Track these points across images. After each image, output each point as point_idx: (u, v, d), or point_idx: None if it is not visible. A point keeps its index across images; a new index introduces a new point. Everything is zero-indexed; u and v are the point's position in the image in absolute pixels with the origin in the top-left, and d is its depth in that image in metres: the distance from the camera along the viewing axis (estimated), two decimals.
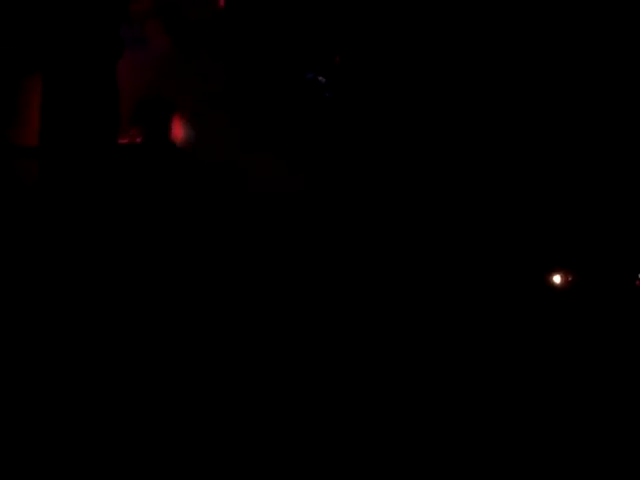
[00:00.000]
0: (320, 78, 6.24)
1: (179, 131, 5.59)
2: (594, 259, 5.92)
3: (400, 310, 5.68)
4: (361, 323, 5.52)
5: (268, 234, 5.83)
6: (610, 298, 5.76)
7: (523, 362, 5.31)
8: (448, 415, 4.67)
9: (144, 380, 4.51)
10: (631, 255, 5.88)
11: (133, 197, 5.03)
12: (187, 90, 5.80)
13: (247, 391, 4.56)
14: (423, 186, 6.20)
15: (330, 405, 4.44)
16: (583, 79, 6.22)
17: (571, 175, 6.13)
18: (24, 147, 5.17)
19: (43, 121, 4.94)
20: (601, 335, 5.53)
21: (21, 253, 4.98)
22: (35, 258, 4.81)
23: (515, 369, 5.25)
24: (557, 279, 5.86)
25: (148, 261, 5.06)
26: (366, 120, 6.30)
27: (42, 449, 3.90)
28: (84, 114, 4.88)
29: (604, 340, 5.51)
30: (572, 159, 6.15)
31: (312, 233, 5.89)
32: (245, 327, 5.26)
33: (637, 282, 5.75)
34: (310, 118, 6.25)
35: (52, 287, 4.70)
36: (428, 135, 6.27)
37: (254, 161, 5.90)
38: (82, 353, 4.52)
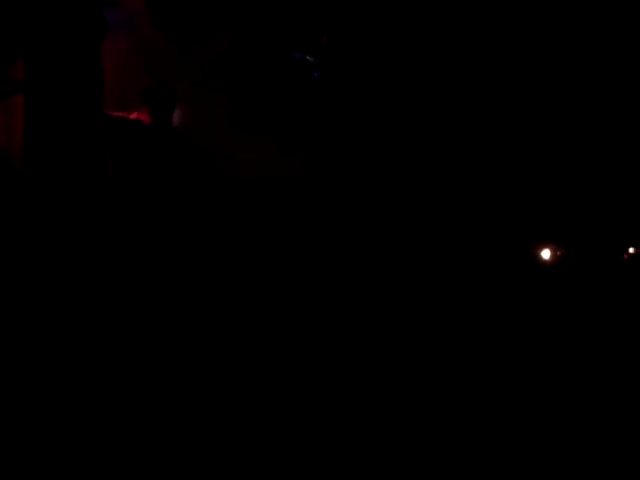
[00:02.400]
0: (308, 58, 6.23)
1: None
2: (583, 234, 5.92)
3: (397, 288, 5.69)
4: (356, 303, 5.53)
5: (262, 219, 5.84)
6: (599, 272, 5.76)
7: (517, 342, 5.31)
8: (443, 400, 4.66)
9: (143, 377, 4.52)
10: (619, 230, 5.88)
11: (135, 176, 5.07)
12: (174, 72, 5.81)
13: (247, 389, 4.57)
14: (416, 164, 6.20)
15: (330, 403, 4.44)
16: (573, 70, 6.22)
17: (563, 153, 6.12)
18: None
19: (27, 103, 4.97)
20: (590, 308, 5.53)
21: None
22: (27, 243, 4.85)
23: (509, 349, 5.24)
24: (546, 254, 5.86)
25: (144, 245, 5.08)
26: (356, 100, 6.29)
27: (42, 448, 3.92)
28: (68, 94, 4.91)
29: (594, 312, 5.51)
30: (564, 138, 6.14)
31: (305, 219, 5.89)
32: (240, 317, 5.27)
33: (625, 256, 5.74)
34: (299, 98, 6.24)
35: (49, 278, 4.74)
36: (420, 114, 6.27)
37: (244, 143, 5.91)
38: (81, 349, 4.55)
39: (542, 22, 6.20)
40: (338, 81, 6.28)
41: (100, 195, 5.00)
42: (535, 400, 4.65)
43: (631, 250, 5.83)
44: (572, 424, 4.42)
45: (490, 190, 6.07)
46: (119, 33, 5.51)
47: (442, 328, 5.40)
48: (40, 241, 4.82)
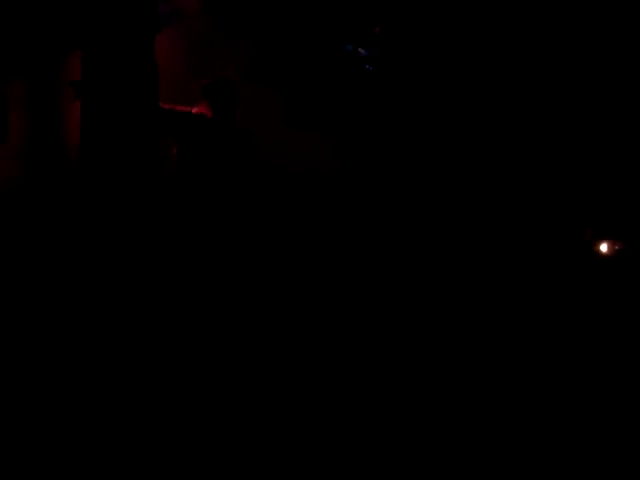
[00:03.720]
0: (360, 50, 6.17)
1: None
2: None
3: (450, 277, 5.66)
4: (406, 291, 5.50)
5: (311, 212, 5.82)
6: None
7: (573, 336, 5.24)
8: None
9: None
10: None
11: (198, 169, 5.10)
12: (228, 65, 5.79)
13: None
14: (469, 155, 6.12)
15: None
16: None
17: (626, 144, 6.02)
18: None
19: (84, 96, 4.97)
20: None
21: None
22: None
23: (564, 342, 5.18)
24: (604, 248, 5.76)
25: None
26: (408, 93, 6.22)
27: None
28: (124, 88, 4.90)
29: None
30: (625, 131, 6.04)
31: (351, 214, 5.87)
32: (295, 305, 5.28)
33: None
34: (351, 91, 6.19)
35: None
36: (474, 108, 6.18)
37: (295, 137, 5.88)
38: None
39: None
40: (391, 73, 6.22)
41: (158, 187, 5.01)
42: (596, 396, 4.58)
43: None
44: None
45: (549, 183, 5.98)
46: (173, 26, 5.51)
47: (495, 319, 5.35)
48: (96, 235, 4.83)
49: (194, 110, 5.04)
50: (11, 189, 6.50)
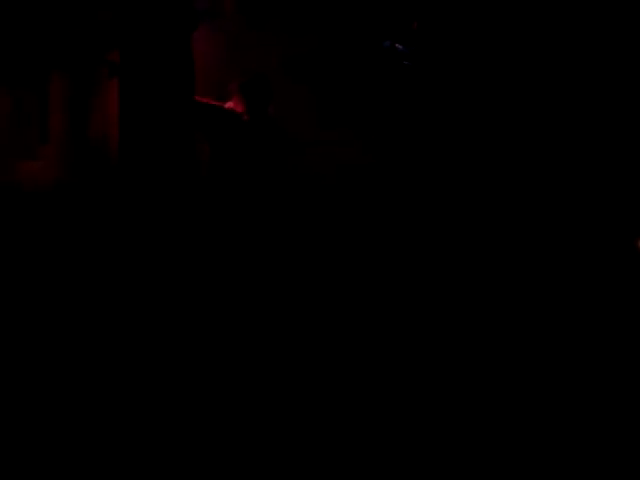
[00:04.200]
0: (398, 46, 6.12)
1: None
2: None
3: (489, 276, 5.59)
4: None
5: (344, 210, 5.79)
6: None
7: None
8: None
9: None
10: None
11: (230, 164, 5.12)
12: (264, 62, 5.79)
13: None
14: (517, 158, 6.04)
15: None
16: None
17: None
18: None
19: (122, 94, 5.00)
20: None
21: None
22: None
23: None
24: None
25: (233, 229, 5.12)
26: (448, 89, 6.16)
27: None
28: (161, 84, 4.92)
29: None
30: None
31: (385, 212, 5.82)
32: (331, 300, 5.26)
33: None
34: (388, 88, 6.14)
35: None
36: (515, 104, 6.11)
37: (329, 134, 5.86)
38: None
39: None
40: (429, 69, 6.16)
41: (192, 182, 5.02)
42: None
43: None
44: None
45: (594, 181, 5.89)
46: (208, 23, 5.52)
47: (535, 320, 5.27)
48: (133, 229, 4.85)
49: (227, 105, 5.06)
50: (53, 190, 6.56)
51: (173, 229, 4.83)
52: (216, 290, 4.93)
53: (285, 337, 4.85)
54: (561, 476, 3.86)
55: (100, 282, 5.07)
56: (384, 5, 6.08)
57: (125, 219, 4.93)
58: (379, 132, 6.01)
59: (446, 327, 5.10)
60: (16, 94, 6.91)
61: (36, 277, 5.44)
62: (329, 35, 6.02)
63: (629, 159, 5.95)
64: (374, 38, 6.08)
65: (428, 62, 6.14)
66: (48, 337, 4.79)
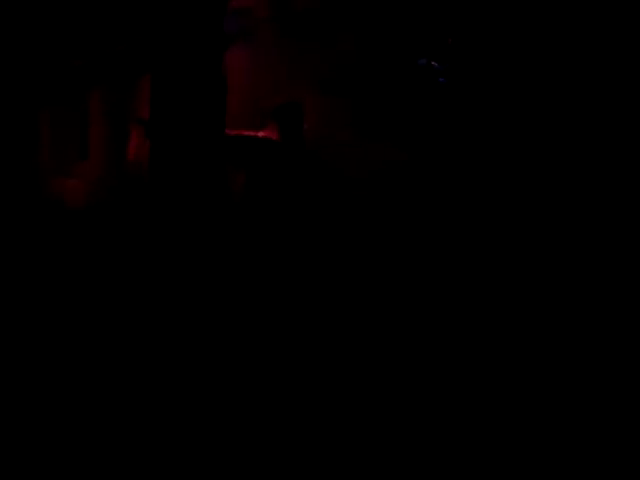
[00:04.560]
0: (433, 63, 6.08)
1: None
2: None
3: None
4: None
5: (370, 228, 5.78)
6: None
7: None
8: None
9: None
10: None
11: (265, 192, 5.13)
12: (298, 79, 5.79)
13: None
14: (554, 174, 5.97)
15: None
16: None
17: None
18: None
19: (152, 114, 5.03)
20: None
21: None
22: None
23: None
24: None
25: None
26: (483, 107, 6.11)
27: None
28: (192, 106, 4.93)
29: None
30: None
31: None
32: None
33: None
34: (424, 105, 6.11)
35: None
36: (549, 120, 6.04)
37: (366, 149, 5.84)
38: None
39: None
40: (465, 87, 6.12)
41: (225, 213, 5.04)
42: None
43: None
44: None
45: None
46: (243, 43, 5.54)
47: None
48: (161, 247, 4.89)
49: (260, 134, 5.06)
50: (90, 207, 6.63)
51: (198, 260, 4.84)
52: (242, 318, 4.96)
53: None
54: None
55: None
56: (419, 23, 6.05)
57: (152, 245, 4.97)
58: (418, 148, 5.99)
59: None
60: (56, 111, 7.02)
61: (64, 286, 5.52)
62: (367, 53, 6.01)
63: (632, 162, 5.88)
64: (410, 56, 6.06)
65: (463, 79, 6.10)
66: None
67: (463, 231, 5.83)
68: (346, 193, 5.83)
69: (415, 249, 5.76)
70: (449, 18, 6.08)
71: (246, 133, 5.21)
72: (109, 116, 6.69)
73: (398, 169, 5.90)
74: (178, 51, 4.96)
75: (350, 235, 5.70)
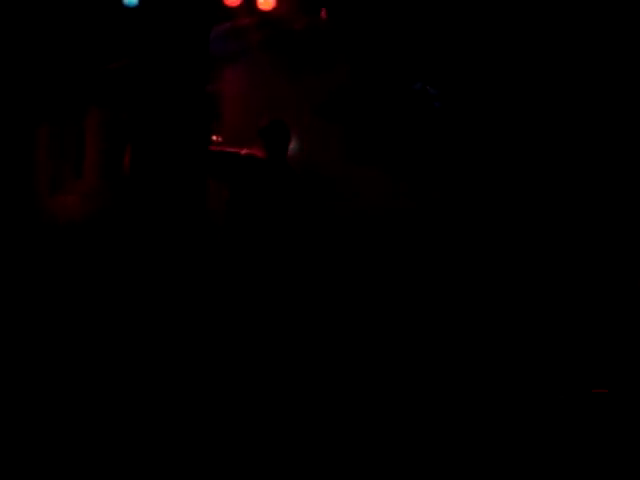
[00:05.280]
0: (429, 88, 6.14)
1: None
2: None
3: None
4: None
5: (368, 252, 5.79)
6: None
7: None
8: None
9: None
10: None
11: (248, 209, 5.14)
12: (292, 100, 5.83)
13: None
14: (550, 202, 6.00)
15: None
16: None
17: None
18: None
19: (136, 131, 5.03)
20: None
21: None
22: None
23: None
24: None
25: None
26: (479, 131, 6.15)
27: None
28: (175, 123, 4.91)
29: None
30: None
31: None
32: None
33: None
34: (419, 129, 6.16)
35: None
36: (546, 147, 6.08)
37: (359, 174, 5.87)
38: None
39: None
40: (461, 111, 6.17)
41: (207, 229, 5.04)
42: None
43: None
44: None
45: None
46: (240, 64, 5.57)
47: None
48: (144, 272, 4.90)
49: (243, 151, 5.07)
50: (84, 224, 6.63)
51: (183, 274, 4.84)
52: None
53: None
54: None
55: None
56: (415, 48, 6.11)
57: (140, 260, 4.97)
58: (412, 173, 6.02)
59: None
60: (52, 129, 7.02)
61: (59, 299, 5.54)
62: (362, 77, 6.06)
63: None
64: (406, 80, 6.11)
65: (458, 103, 6.15)
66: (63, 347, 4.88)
67: (452, 259, 5.85)
68: (331, 211, 5.85)
69: (400, 268, 5.78)
70: (444, 45, 6.15)
71: (229, 150, 5.23)
72: (105, 133, 6.71)
73: (386, 191, 5.92)
74: (162, 71, 4.96)
75: (334, 251, 5.72)
